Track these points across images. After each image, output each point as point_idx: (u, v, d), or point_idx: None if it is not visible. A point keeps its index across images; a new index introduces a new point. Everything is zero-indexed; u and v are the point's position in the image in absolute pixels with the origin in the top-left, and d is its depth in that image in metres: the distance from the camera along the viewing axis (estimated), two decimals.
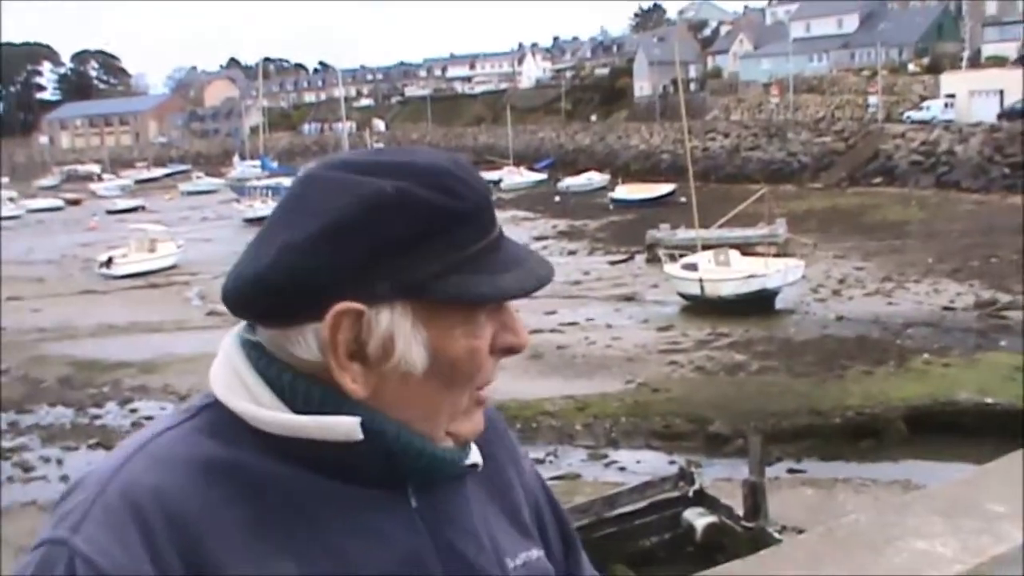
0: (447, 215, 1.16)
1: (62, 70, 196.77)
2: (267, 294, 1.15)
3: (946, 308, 28.03)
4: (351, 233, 1.13)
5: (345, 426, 1.15)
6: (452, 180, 1.18)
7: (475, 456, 1.30)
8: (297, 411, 1.17)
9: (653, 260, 36.98)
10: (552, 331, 27.47)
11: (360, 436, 1.15)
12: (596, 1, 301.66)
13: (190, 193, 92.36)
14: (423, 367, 1.18)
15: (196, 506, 1.12)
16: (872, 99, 78.34)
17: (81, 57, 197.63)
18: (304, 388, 1.18)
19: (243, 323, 1.26)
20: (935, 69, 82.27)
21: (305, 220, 1.14)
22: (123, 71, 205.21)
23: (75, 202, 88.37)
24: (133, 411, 22.57)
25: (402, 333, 1.16)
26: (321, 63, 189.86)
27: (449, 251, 1.16)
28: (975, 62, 79.61)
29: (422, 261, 1.15)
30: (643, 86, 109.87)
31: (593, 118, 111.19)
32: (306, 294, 1.14)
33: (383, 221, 1.13)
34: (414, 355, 1.17)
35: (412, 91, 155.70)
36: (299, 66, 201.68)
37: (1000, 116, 62.99)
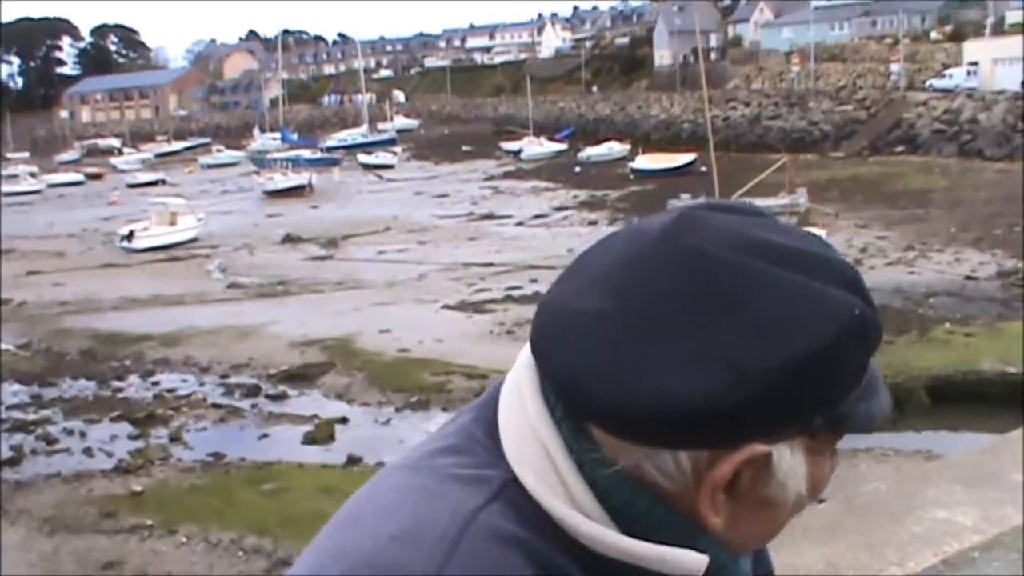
0: (880, 337, 0.99)
1: (82, 44, 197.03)
2: (690, 424, 0.92)
3: (969, 277, 27.89)
4: (819, 366, 0.93)
5: (694, 565, 0.97)
6: (867, 289, 1.00)
7: None
8: (624, 527, 0.98)
9: None
10: None
11: (701, 574, 0.98)
12: None
13: (210, 166, 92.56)
14: (795, 501, 1.02)
15: None
16: (894, 67, 77.74)
17: (100, 31, 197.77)
18: (661, 517, 0.98)
19: (536, 391, 1.02)
20: (958, 37, 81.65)
21: (759, 336, 0.92)
22: (142, 45, 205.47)
23: (96, 176, 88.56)
24: (155, 383, 22.69)
25: (797, 474, 0.99)
26: (340, 35, 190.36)
27: (866, 375, 0.99)
28: (998, 29, 78.90)
29: (855, 392, 0.98)
30: (663, 55, 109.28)
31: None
32: (734, 430, 0.94)
33: (849, 351, 0.95)
34: (796, 492, 1.00)
35: (432, 62, 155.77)
36: (318, 38, 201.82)
37: None
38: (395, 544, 0.95)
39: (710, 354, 0.91)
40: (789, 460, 0.97)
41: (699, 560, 0.97)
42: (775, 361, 0.91)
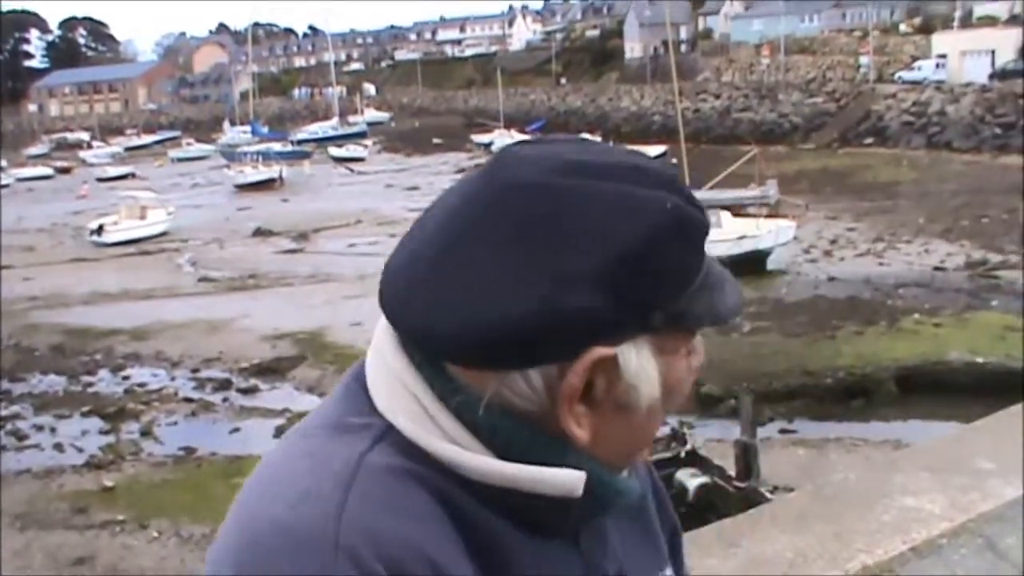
0: (705, 230, 1.03)
1: (50, 37, 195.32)
2: (528, 338, 0.97)
3: (937, 268, 28.06)
4: (641, 262, 0.97)
5: (569, 482, 1.01)
6: (688, 189, 1.05)
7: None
8: (500, 454, 1.02)
9: None
10: None
11: (580, 493, 1.02)
12: None
13: (180, 160, 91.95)
14: (650, 402, 1.05)
15: (443, 552, 0.98)
16: (863, 59, 78.15)
17: (69, 24, 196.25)
18: (527, 438, 1.02)
19: (395, 344, 1.06)
20: (926, 29, 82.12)
21: (577, 245, 0.97)
22: (111, 38, 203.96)
23: (65, 170, 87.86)
24: (126, 378, 22.61)
25: (647, 374, 1.02)
26: (311, 27, 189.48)
27: (700, 270, 1.03)
28: (966, 22, 79.39)
29: (689, 286, 1.02)
30: (634, 47, 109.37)
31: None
32: (571, 338, 0.97)
33: (669, 246, 0.99)
34: (650, 393, 1.04)
35: (402, 55, 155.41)
36: (288, 30, 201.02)
37: (991, 76, 62.93)
38: (298, 506, 0.97)
39: (532, 271, 0.96)
40: (636, 361, 1.01)
41: (575, 477, 1.01)
42: (595, 265, 0.95)
